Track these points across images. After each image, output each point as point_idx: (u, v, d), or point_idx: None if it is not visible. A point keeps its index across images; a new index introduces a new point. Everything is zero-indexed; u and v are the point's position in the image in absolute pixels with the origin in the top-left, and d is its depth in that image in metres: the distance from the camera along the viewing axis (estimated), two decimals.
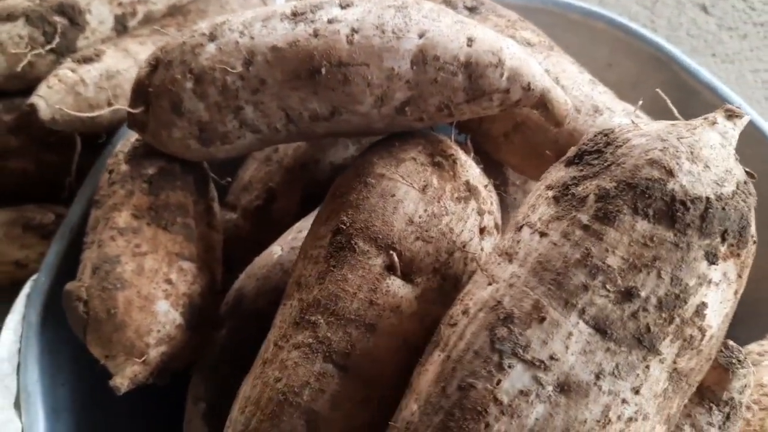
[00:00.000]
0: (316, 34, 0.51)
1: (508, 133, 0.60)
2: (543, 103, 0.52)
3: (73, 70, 0.72)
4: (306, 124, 0.54)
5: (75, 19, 0.79)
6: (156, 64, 0.55)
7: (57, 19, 0.79)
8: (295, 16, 0.52)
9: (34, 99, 0.70)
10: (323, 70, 0.50)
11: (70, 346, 0.59)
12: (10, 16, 0.75)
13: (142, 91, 0.56)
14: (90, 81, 0.73)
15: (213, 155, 0.57)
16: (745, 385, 0.44)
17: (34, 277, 0.63)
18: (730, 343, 0.43)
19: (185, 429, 0.60)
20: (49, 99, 0.70)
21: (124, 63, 0.76)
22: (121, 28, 0.84)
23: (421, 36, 0.50)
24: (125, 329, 0.53)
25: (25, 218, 0.80)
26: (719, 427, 0.45)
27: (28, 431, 0.55)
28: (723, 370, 0.43)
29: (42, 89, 0.71)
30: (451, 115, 0.53)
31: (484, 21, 0.63)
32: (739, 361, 0.43)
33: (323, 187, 0.58)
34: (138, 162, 0.59)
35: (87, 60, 0.73)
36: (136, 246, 0.55)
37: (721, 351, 0.43)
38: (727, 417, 0.44)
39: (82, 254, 0.57)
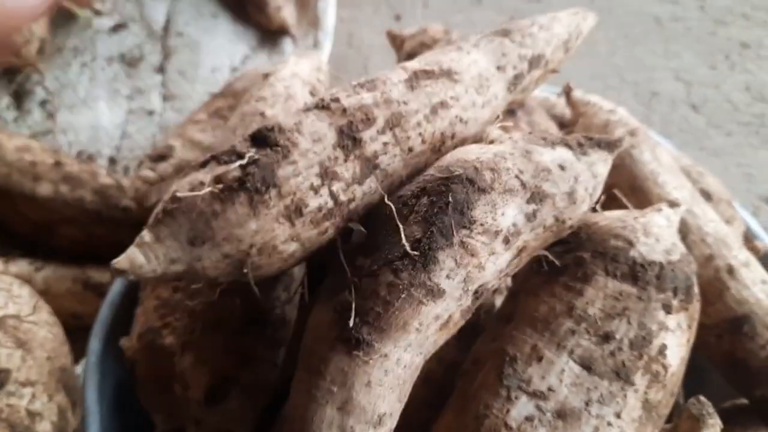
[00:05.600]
0: None
1: None
2: None
3: (152, 169, 0.83)
4: None
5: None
6: None
7: None
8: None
9: (127, 203, 0.84)
10: None
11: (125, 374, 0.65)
12: None
13: None
14: (168, 177, 0.85)
15: None
16: None
17: None
18: (702, 398, 0.51)
19: None
20: (138, 198, 0.83)
21: (191, 153, 0.87)
22: None
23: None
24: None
25: (86, 276, 0.89)
26: None
27: None
28: (695, 420, 0.50)
29: (131, 192, 0.84)
30: None
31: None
32: (709, 413, 0.51)
33: None
34: None
35: (162, 158, 0.85)
36: (176, 319, 0.63)
37: (694, 404, 0.50)
38: None
39: (137, 308, 0.64)
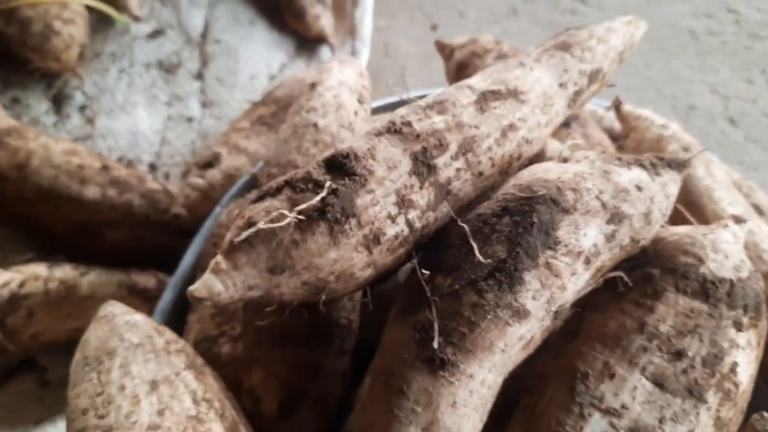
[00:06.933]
0: None
1: None
2: None
3: (201, 176, 0.84)
4: None
5: None
6: None
7: None
8: None
9: (178, 210, 0.85)
10: None
11: None
12: None
13: None
14: (217, 183, 0.85)
15: None
16: None
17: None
18: (765, 414, 0.50)
19: None
20: (188, 205, 0.83)
21: (238, 160, 0.87)
22: None
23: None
24: None
25: (132, 282, 0.89)
26: None
27: None
28: None
29: (180, 199, 0.84)
30: None
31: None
32: None
33: None
34: None
35: (209, 165, 0.85)
36: (231, 328, 0.64)
37: (758, 420, 0.50)
38: None
39: (190, 315, 0.64)
